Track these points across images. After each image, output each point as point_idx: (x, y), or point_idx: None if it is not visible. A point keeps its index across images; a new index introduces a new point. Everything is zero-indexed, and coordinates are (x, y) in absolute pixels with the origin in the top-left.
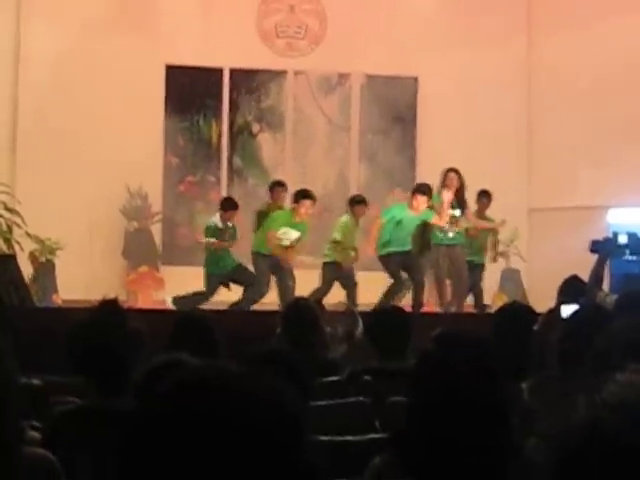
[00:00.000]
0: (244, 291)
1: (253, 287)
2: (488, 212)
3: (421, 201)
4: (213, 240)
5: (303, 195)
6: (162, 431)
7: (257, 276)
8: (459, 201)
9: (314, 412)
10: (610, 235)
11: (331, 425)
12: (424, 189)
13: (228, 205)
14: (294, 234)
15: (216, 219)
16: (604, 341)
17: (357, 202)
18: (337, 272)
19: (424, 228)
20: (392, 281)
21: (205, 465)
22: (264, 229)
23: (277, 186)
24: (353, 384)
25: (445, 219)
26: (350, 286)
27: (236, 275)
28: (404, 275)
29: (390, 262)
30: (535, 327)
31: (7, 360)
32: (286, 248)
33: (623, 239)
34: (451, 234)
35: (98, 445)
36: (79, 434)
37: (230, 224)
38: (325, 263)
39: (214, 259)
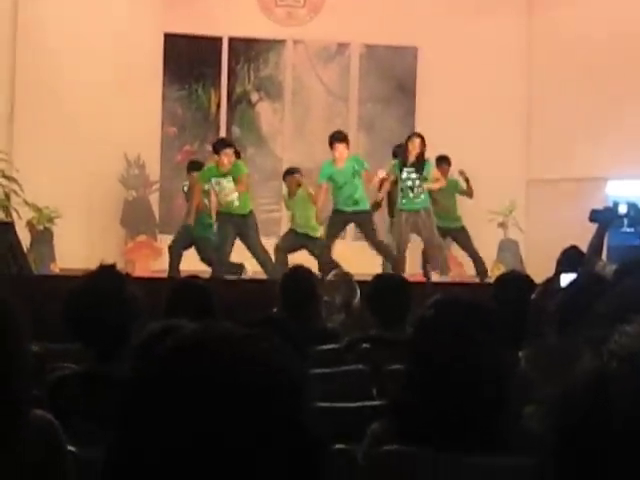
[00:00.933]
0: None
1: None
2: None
3: (340, 148)
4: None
5: (223, 145)
6: (159, 394)
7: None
8: (419, 165)
9: (312, 379)
10: (610, 205)
11: (329, 392)
12: (340, 136)
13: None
14: (227, 185)
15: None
16: (604, 306)
17: (287, 173)
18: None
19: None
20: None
21: (204, 429)
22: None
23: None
24: (351, 352)
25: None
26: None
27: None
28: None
29: (333, 219)
30: (533, 296)
31: (20, 321)
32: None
33: (623, 209)
34: (405, 200)
35: (96, 410)
36: (76, 399)
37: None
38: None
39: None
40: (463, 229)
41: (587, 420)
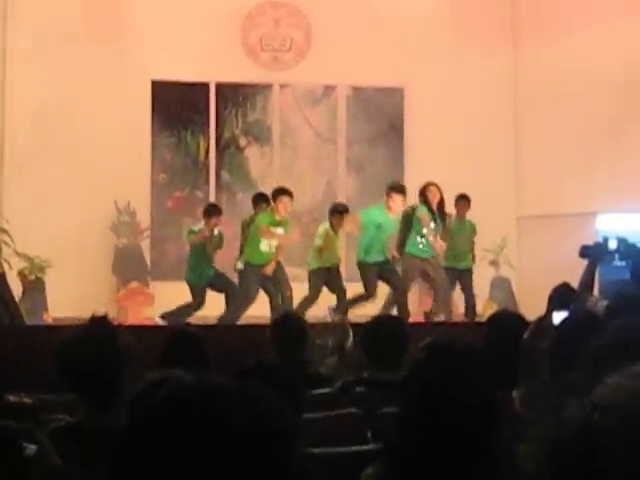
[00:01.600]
0: (226, 301)
1: (239, 297)
2: (474, 218)
3: (397, 200)
4: (194, 237)
5: (280, 192)
6: (151, 446)
7: (245, 287)
8: (441, 214)
9: (306, 424)
10: (600, 240)
11: (323, 437)
12: (399, 188)
13: (212, 211)
14: (279, 231)
15: (200, 225)
16: (596, 345)
17: (338, 212)
18: (322, 277)
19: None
20: (365, 290)
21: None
22: (252, 238)
23: (259, 199)
24: (345, 395)
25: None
26: (338, 289)
27: (216, 281)
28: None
29: (369, 271)
30: (525, 335)
31: None
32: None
33: (613, 244)
34: (421, 245)
35: (89, 462)
36: (70, 451)
37: (216, 231)
38: (310, 271)
39: (193, 269)
40: (470, 270)
41: (576, 467)
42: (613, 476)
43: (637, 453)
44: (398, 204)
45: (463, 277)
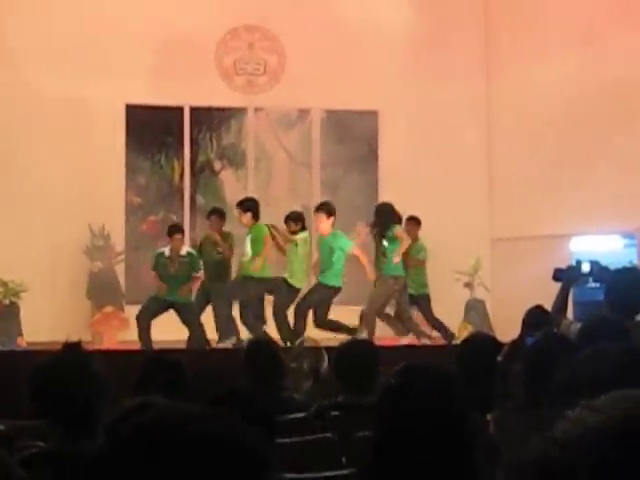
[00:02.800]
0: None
1: (246, 315)
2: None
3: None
4: (154, 274)
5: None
6: (122, 472)
7: (245, 301)
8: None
9: (280, 449)
10: (573, 263)
11: (298, 462)
12: (328, 208)
13: (171, 230)
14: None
15: (166, 248)
16: (566, 374)
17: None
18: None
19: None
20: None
21: None
22: (255, 250)
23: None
24: (319, 420)
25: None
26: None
27: (178, 309)
28: None
29: (333, 296)
30: (499, 358)
31: None
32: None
33: (586, 267)
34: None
35: None
36: (45, 478)
37: (184, 251)
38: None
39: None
40: (428, 296)
41: None
42: None
43: None
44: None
45: (422, 304)
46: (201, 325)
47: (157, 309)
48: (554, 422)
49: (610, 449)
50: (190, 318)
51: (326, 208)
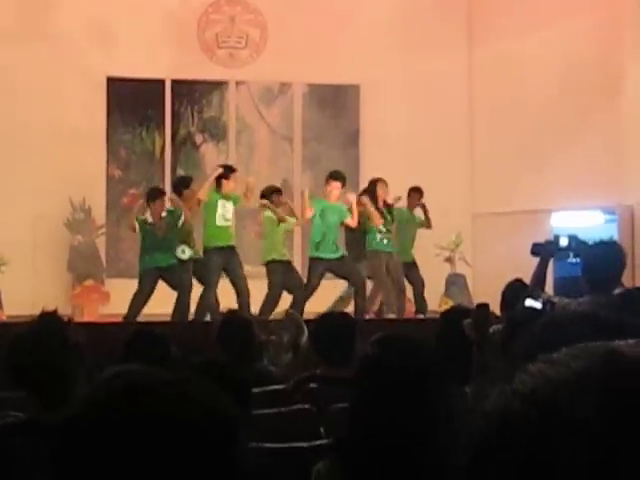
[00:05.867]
0: (177, 297)
1: (204, 288)
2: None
3: (334, 186)
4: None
5: (229, 170)
6: (90, 439)
7: (207, 271)
8: (389, 209)
9: (259, 420)
10: (551, 237)
11: (276, 433)
12: (336, 175)
13: (152, 195)
14: (231, 207)
15: (147, 214)
16: (527, 338)
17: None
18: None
19: (357, 234)
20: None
21: (137, 471)
22: (208, 219)
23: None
24: (298, 392)
25: (378, 221)
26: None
27: (167, 275)
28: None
29: (315, 267)
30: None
31: None
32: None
33: (564, 242)
34: (385, 240)
35: (41, 459)
36: (21, 447)
37: (164, 213)
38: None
39: (140, 255)
40: (415, 263)
41: (497, 459)
42: (532, 467)
43: (554, 440)
44: (335, 190)
45: (411, 270)
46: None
47: (152, 287)
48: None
49: (569, 401)
50: (179, 282)
51: (342, 177)
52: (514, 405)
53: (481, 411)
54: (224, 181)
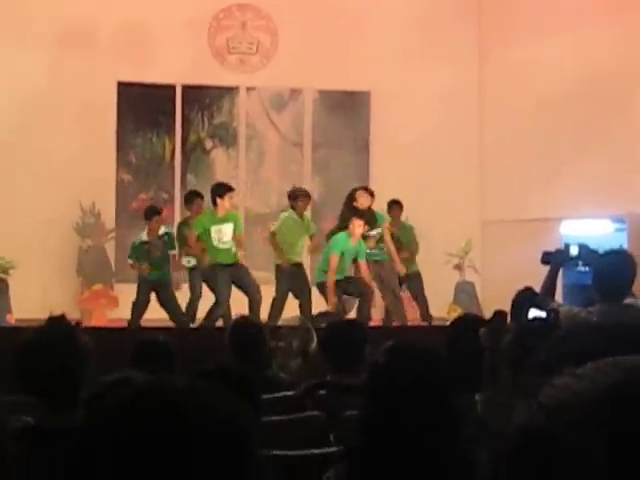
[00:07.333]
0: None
1: (215, 303)
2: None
3: (358, 225)
4: (131, 262)
5: (224, 190)
6: (105, 447)
7: (217, 288)
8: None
9: (268, 427)
10: (562, 246)
11: (286, 440)
12: (361, 213)
13: (149, 213)
14: (227, 229)
15: (143, 234)
16: (546, 350)
17: (298, 196)
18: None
19: None
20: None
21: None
22: (206, 242)
23: (195, 197)
24: (308, 398)
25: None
26: (303, 294)
27: (160, 290)
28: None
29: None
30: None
31: None
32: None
33: (574, 250)
34: (375, 250)
35: (49, 462)
36: (30, 452)
37: (161, 231)
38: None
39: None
40: (418, 273)
41: (524, 469)
42: (558, 476)
43: (581, 451)
44: (359, 229)
45: (412, 282)
46: (178, 305)
47: (148, 297)
48: (529, 395)
49: (595, 416)
50: (168, 298)
51: (368, 216)
52: (539, 420)
53: (504, 424)
54: (219, 200)
